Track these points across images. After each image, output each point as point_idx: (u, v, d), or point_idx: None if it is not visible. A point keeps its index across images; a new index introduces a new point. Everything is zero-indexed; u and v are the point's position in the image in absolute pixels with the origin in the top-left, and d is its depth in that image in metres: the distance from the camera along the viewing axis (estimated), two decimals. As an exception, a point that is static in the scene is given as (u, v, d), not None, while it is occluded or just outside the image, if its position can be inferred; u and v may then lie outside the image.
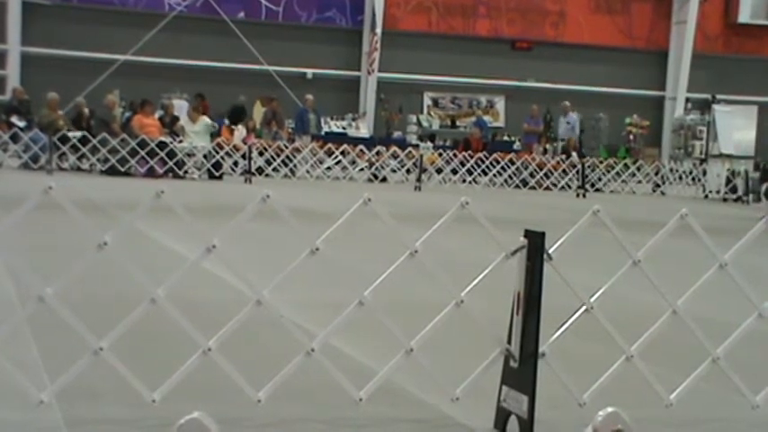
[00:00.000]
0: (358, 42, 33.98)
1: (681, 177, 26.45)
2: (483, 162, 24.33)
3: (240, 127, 27.02)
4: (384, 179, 24.31)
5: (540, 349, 3.36)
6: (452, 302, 3.37)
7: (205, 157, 21.84)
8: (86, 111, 23.15)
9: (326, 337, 3.34)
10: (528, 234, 3.39)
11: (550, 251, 3.36)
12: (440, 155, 25.63)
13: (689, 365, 3.69)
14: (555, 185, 24.48)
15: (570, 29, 35.60)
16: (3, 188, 13.99)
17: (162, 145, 21.03)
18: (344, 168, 24.36)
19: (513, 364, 3.41)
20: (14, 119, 22.76)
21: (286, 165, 23.50)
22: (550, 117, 31.28)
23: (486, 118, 33.69)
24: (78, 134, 21.64)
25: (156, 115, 22.56)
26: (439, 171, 24.83)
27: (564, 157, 26.01)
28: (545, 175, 24.63)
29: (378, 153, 24.47)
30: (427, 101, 34.32)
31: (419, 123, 31.50)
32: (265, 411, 3.39)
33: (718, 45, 36.85)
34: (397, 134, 30.67)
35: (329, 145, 24.58)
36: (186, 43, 31.80)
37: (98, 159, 21.35)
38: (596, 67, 35.11)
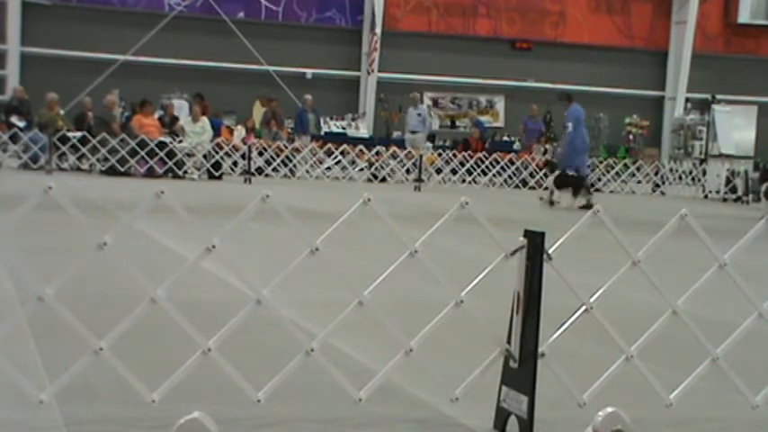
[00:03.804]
0: (358, 42, 33.97)
1: (680, 177, 26.46)
2: (483, 162, 24.34)
3: (239, 127, 27.05)
4: (384, 179, 24.31)
5: (540, 349, 3.36)
6: (452, 302, 3.37)
7: (205, 157, 21.85)
8: (90, 112, 23.17)
9: (326, 337, 3.34)
10: (528, 234, 3.39)
11: (550, 251, 3.36)
12: (439, 155, 25.64)
13: (689, 365, 3.69)
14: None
15: (570, 29, 35.60)
16: (2, 188, 13.99)
17: (161, 145, 21.03)
18: (344, 168, 24.37)
19: (513, 365, 3.41)
20: (14, 119, 22.77)
21: (286, 165, 23.51)
22: (550, 117, 31.30)
23: (486, 118, 33.69)
24: (78, 134, 21.65)
25: (156, 115, 22.57)
26: (438, 171, 24.84)
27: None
28: (545, 174, 24.63)
29: (377, 153, 24.47)
30: (427, 101, 34.30)
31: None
32: (265, 411, 3.39)
33: (717, 45, 36.84)
34: (396, 134, 30.67)
35: (329, 145, 24.58)
36: (186, 43, 31.79)
37: (98, 159, 21.36)
38: (596, 67, 35.11)
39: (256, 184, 20.46)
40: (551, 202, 17.88)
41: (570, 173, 18.52)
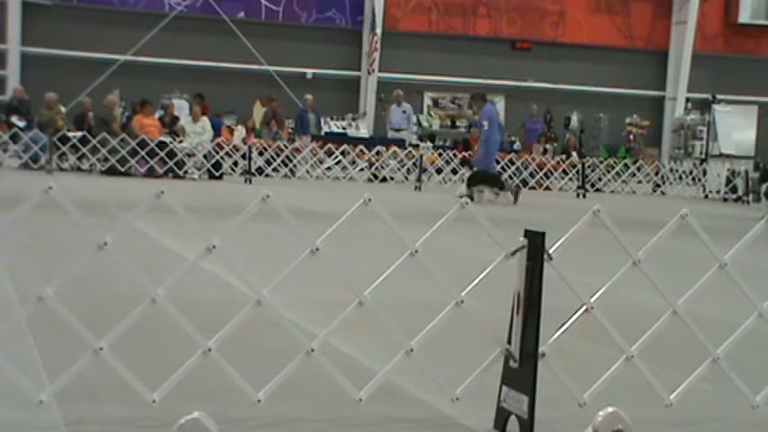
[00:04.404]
0: (358, 42, 33.95)
1: (681, 177, 26.46)
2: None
3: (240, 127, 27.04)
4: (384, 179, 24.31)
5: (540, 349, 3.36)
6: (452, 302, 3.37)
7: (205, 157, 21.85)
8: (90, 112, 23.18)
9: (326, 337, 3.34)
10: (528, 234, 3.39)
11: (550, 251, 3.36)
12: (439, 155, 25.63)
13: (689, 365, 3.69)
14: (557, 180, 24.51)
15: (570, 29, 35.58)
16: (3, 188, 13.99)
17: (162, 145, 21.04)
18: (344, 168, 24.36)
19: (514, 365, 3.41)
20: (14, 119, 22.78)
21: (286, 165, 23.51)
22: (551, 117, 31.29)
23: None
24: (78, 134, 21.65)
25: (156, 115, 22.57)
26: (439, 171, 24.83)
27: (564, 157, 26.04)
28: (545, 175, 24.66)
29: (378, 153, 24.47)
30: (427, 101, 34.28)
31: (419, 123, 31.49)
32: (265, 411, 3.39)
33: (718, 45, 36.83)
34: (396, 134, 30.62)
35: (329, 145, 24.58)
36: (186, 43, 31.77)
37: (98, 159, 21.36)
38: (596, 66, 35.08)
39: (257, 184, 20.46)
40: (471, 197, 18.20)
41: (482, 170, 18.86)
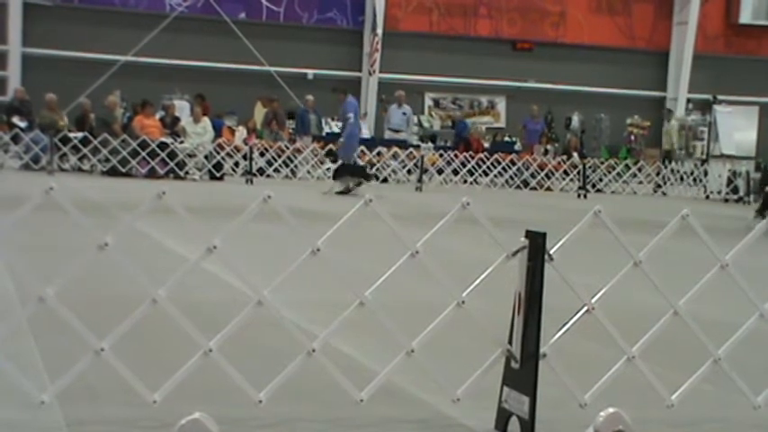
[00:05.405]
0: (359, 43, 33.94)
1: (682, 178, 26.45)
2: (484, 163, 24.35)
3: (241, 128, 27.06)
4: (385, 179, 24.31)
5: (542, 350, 3.36)
6: (453, 303, 3.37)
7: (206, 157, 21.86)
8: (91, 114, 23.19)
9: (327, 338, 3.34)
10: (529, 234, 3.39)
11: (551, 252, 3.36)
12: (441, 155, 25.63)
13: (690, 366, 3.69)
14: (558, 180, 24.50)
15: (571, 29, 35.58)
16: (4, 189, 13.99)
17: (163, 146, 21.04)
18: (345, 169, 24.35)
19: (515, 365, 3.41)
20: (16, 119, 22.79)
21: (287, 165, 23.51)
22: (552, 117, 31.30)
23: (487, 118, 33.69)
24: (79, 135, 21.66)
25: (157, 116, 22.58)
26: (440, 172, 24.84)
27: (565, 157, 26.04)
28: (546, 175, 24.65)
29: (379, 154, 24.46)
30: (428, 101, 34.28)
31: (420, 124, 31.46)
32: (266, 412, 3.39)
33: (719, 45, 36.81)
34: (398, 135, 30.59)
35: (330, 146, 24.57)
36: (187, 44, 31.77)
37: (99, 160, 21.37)
38: (597, 67, 35.07)
39: (258, 185, 20.46)
40: (348, 190, 18.39)
41: (349, 163, 19.09)
